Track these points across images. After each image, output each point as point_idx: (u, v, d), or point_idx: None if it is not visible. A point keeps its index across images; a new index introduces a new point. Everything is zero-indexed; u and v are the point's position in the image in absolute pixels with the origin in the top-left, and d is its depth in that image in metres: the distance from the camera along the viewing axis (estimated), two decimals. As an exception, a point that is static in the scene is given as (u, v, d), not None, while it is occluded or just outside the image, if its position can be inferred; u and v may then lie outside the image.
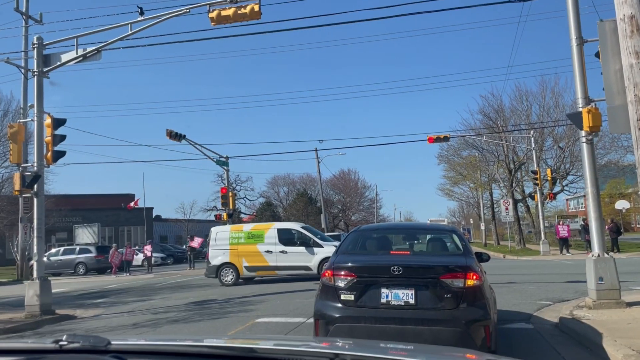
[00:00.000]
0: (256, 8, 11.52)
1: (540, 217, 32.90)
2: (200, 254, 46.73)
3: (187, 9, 12.28)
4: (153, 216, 61.28)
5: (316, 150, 44.67)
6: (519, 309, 9.88)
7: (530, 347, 6.92)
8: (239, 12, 11.57)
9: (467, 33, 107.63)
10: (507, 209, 34.08)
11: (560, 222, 31.89)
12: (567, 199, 65.04)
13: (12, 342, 1.40)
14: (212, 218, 40.26)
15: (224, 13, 11.63)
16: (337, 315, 5.61)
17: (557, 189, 38.41)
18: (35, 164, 12.77)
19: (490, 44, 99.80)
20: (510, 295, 11.80)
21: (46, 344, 1.30)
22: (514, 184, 39.55)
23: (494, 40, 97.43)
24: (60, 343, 1.26)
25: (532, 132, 34.04)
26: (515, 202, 39.26)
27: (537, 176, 30.74)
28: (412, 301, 5.48)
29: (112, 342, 1.24)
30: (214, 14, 11.68)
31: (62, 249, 34.52)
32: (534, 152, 32.90)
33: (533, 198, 35.24)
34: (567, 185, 39.80)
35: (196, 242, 31.35)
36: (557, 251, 29.89)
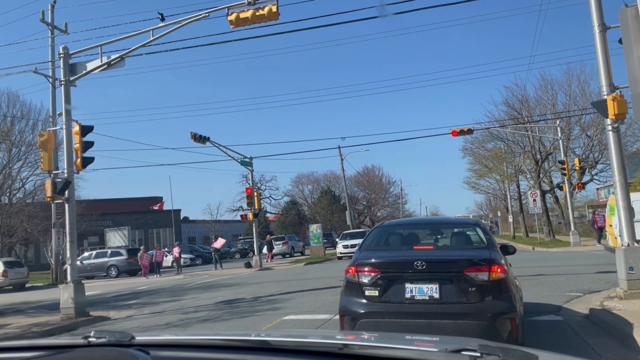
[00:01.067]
0: (274, 9, 11.62)
1: (570, 207, 32.29)
2: (228, 254, 47.33)
3: (206, 13, 12.45)
4: (181, 218, 62.24)
5: (339, 147, 44.69)
6: (548, 301, 9.78)
7: (560, 338, 6.86)
8: (257, 13, 11.68)
9: (487, 24, 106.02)
10: (534, 200, 33.56)
11: (596, 212, 31.26)
12: (597, 188, 63.63)
13: (44, 339, 1.52)
14: (238, 218, 40.65)
15: (242, 15, 11.75)
16: (362, 311, 5.66)
17: (586, 178, 37.66)
18: (66, 171, 13.12)
19: (511, 34, 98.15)
20: (540, 288, 11.67)
21: (76, 340, 1.41)
22: (541, 175, 38.90)
23: (515, 30, 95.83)
24: (89, 339, 1.37)
25: (558, 121, 33.42)
26: (543, 193, 38.62)
27: (565, 166, 30.20)
28: (436, 295, 5.49)
29: (136, 337, 1.36)
30: (232, 17, 11.82)
31: (94, 252, 35.35)
32: (560, 141, 32.32)
33: (561, 188, 34.64)
34: (596, 174, 38.96)
35: (218, 243, 31.79)
36: (588, 242, 29.32)
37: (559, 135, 32.44)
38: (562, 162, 30.71)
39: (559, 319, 8.19)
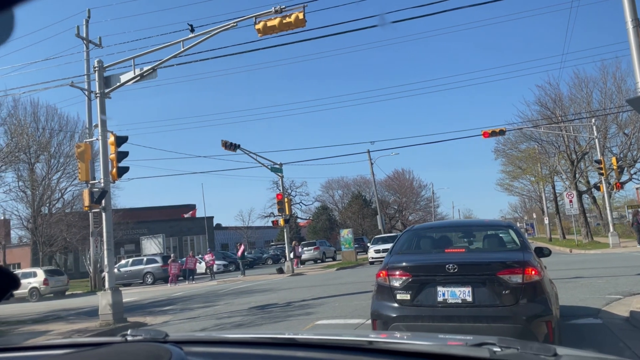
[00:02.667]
0: (301, 16, 11.74)
1: (608, 208, 31.41)
2: (260, 260, 47.65)
3: (234, 22, 12.66)
4: (214, 225, 63.08)
5: (368, 152, 44.53)
6: (587, 304, 9.54)
7: (599, 341, 6.69)
8: (284, 21, 11.82)
9: (517, 23, 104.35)
10: (571, 201, 32.76)
11: (638, 211, 30.32)
12: (637, 188, 61.66)
13: (83, 337, 1.62)
14: (270, 224, 40.98)
15: (269, 24, 11.92)
16: (394, 315, 5.65)
17: (624, 177, 36.62)
18: (102, 181, 13.49)
19: (542, 32, 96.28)
20: (577, 290, 11.40)
21: (114, 338, 1.50)
22: (577, 175, 37.97)
23: (546, 28, 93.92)
24: (126, 337, 1.47)
25: (593, 119, 32.61)
26: (580, 193, 37.68)
27: (602, 165, 29.41)
28: (469, 299, 5.44)
29: (170, 335, 1.45)
30: (260, 26, 11.99)
31: (130, 260, 36.13)
32: (597, 140, 31.51)
33: (599, 189, 33.74)
34: (635, 173, 37.87)
35: (239, 251, 32.28)
36: (628, 243, 28.45)
37: (595, 134, 31.63)
38: (598, 162, 29.93)
39: (598, 322, 7.99)
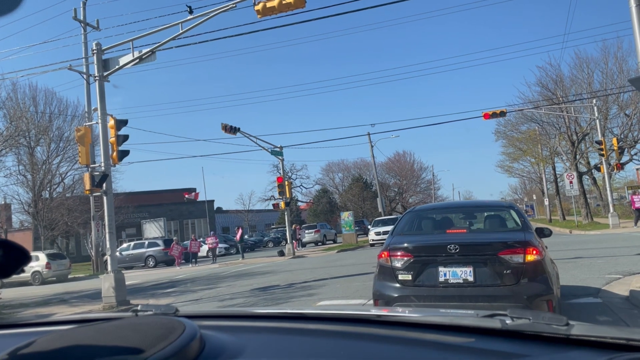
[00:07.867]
0: (300, -4, 11.61)
1: (608, 189, 31.45)
2: (261, 243, 47.85)
3: (233, 4, 12.53)
4: (214, 208, 63.21)
5: (369, 134, 44.44)
6: (587, 284, 9.60)
7: (599, 320, 6.75)
8: (284, 2, 11.69)
9: (517, 3, 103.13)
10: (571, 182, 32.75)
11: (637, 193, 30.35)
12: (637, 169, 61.66)
13: (96, 313, 1.65)
14: (270, 207, 41.07)
15: (269, 5, 11.79)
16: (396, 295, 5.70)
17: (625, 158, 36.64)
18: (103, 164, 13.48)
19: (543, 12, 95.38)
20: (577, 270, 11.47)
21: (124, 314, 1.52)
22: (577, 156, 37.94)
23: (548, 8, 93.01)
24: (137, 312, 1.48)
25: (594, 100, 32.46)
26: (580, 175, 37.68)
27: (602, 146, 29.39)
28: (470, 279, 5.48)
29: (179, 310, 1.47)
30: (259, 7, 11.87)
31: (132, 243, 36.27)
32: (597, 121, 31.40)
33: (599, 169, 33.74)
34: (636, 154, 37.83)
35: (238, 235, 32.49)
36: (628, 223, 28.54)
37: (596, 114, 31.51)
38: (599, 143, 29.90)
39: (598, 301, 8.05)
